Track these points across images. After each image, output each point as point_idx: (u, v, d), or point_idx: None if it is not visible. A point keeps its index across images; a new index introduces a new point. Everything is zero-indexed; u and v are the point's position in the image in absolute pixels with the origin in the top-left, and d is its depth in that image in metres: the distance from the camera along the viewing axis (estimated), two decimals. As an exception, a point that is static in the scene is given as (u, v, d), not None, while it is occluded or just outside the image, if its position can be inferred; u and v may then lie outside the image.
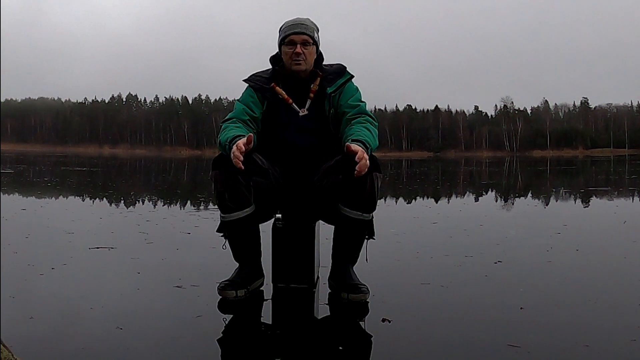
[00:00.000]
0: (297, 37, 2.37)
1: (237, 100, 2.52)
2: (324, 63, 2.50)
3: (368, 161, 2.16)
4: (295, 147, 2.49)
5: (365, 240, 2.46)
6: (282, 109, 2.47)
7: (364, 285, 2.40)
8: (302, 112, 2.46)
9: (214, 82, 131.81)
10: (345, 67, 2.51)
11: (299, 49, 2.37)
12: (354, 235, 2.43)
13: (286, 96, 2.45)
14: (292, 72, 2.43)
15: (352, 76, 2.49)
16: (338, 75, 2.46)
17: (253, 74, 2.52)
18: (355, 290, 2.36)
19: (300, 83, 2.47)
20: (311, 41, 2.40)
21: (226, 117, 2.45)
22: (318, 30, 2.45)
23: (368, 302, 2.34)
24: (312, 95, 2.45)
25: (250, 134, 2.21)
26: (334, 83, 2.44)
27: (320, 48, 2.49)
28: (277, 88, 2.44)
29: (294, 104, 2.46)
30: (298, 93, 2.47)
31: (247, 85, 2.50)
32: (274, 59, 2.49)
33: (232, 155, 2.16)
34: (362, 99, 2.48)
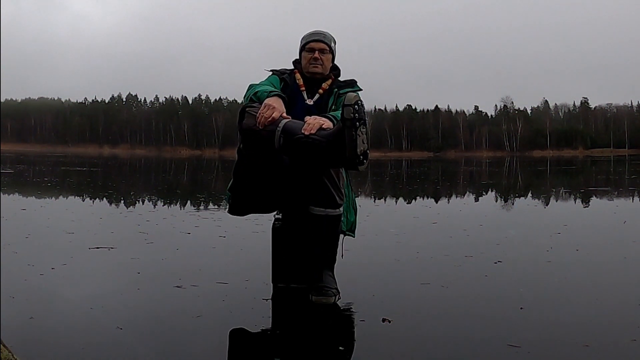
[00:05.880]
0: (315, 44, 2.62)
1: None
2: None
3: (321, 121, 2.24)
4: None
5: (342, 237, 2.49)
6: (295, 91, 2.62)
7: (334, 287, 2.39)
8: (309, 102, 2.62)
9: (214, 82, 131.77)
10: (356, 81, 2.70)
11: (316, 54, 2.61)
12: (323, 233, 2.39)
13: (302, 83, 2.63)
14: (309, 73, 2.63)
15: (361, 89, 2.67)
16: (349, 86, 2.67)
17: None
18: (319, 292, 2.36)
19: (315, 82, 2.64)
20: (328, 49, 2.64)
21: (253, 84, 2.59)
22: (335, 42, 2.70)
23: (370, 302, 2.34)
24: (321, 91, 2.63)
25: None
26: (344, 88, 2.64)
27: (335, 61, 2.70)
28: (298, 74, 2.66)
29: (304, 92, 2.63)
30: (311, 89, 2.64)
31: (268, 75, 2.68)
32: (295, 62, 2.71)
33: (264, 106, 2.26)
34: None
